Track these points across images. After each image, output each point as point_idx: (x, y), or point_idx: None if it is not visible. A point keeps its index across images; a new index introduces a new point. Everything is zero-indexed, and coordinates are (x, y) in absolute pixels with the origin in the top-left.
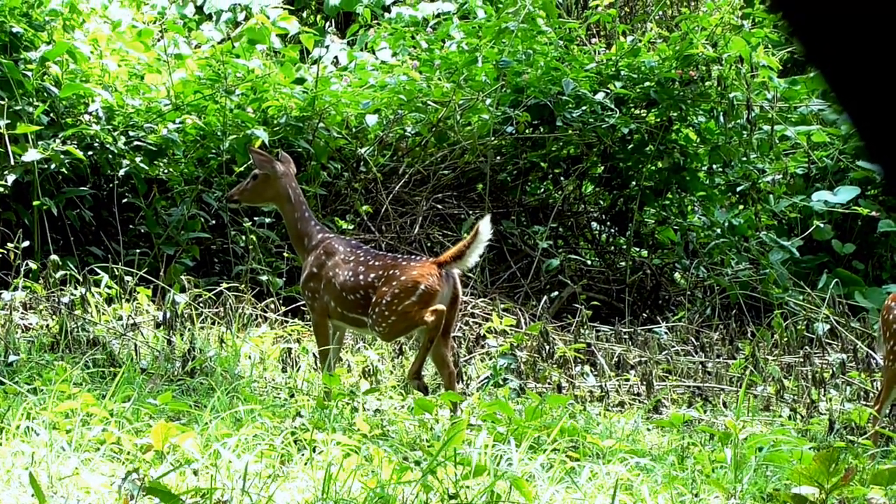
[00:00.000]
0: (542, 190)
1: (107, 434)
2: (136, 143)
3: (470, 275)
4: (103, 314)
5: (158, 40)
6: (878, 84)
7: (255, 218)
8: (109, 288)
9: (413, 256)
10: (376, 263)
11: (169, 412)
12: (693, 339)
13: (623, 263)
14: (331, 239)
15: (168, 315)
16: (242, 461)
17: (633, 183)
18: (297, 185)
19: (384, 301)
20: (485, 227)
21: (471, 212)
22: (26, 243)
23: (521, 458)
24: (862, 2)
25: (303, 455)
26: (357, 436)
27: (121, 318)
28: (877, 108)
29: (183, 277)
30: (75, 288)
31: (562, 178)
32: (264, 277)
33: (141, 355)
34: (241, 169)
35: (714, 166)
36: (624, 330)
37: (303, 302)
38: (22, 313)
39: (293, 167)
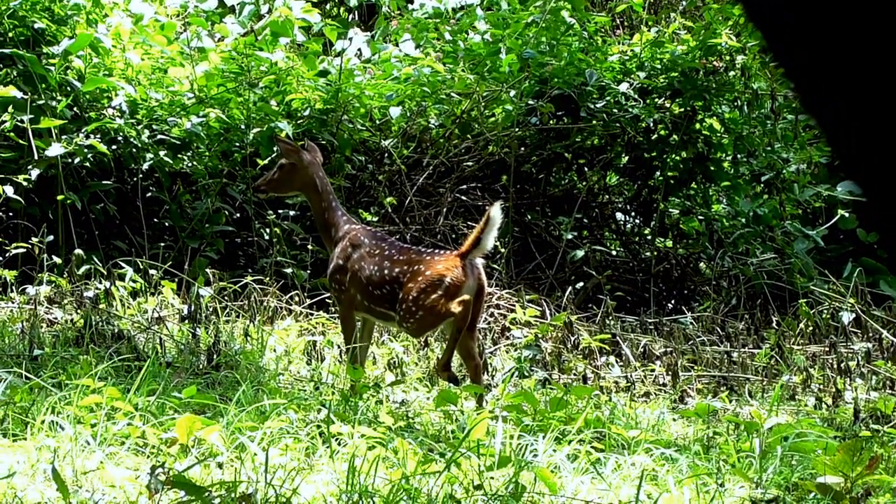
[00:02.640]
0: (567, 180)
1: (132, 428)
2: (159, 136)
3: (494, 266)
4: (128, 308)
5: (181, 33)
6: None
7: (280, 210)
8: (134, 282)
9: (436, 250)
10: (401, 258)
11: (194, 406)
12: (718, 329)
13: (648, 253)
14: (357, 230)
15: (193, 308)
16: (267, 454)
17: (658, 173)
18: (324, 175)
19: (410, 297)
20: (495, 212)
21: (495, 203)
22: (51, 238)
23: (546, 450)
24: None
25: (327, 448)
26: (382, 428)
27: (145, 312)
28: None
29: (207, 270)
30: (100, 282)
31: (586, 169)
32: (289, 270)
33: (166, 349)
34: (266, 162)
35: (738, 156)
36: (649, 320)
37: (327, 294)
38: (47, 308)
39: (320, 156)
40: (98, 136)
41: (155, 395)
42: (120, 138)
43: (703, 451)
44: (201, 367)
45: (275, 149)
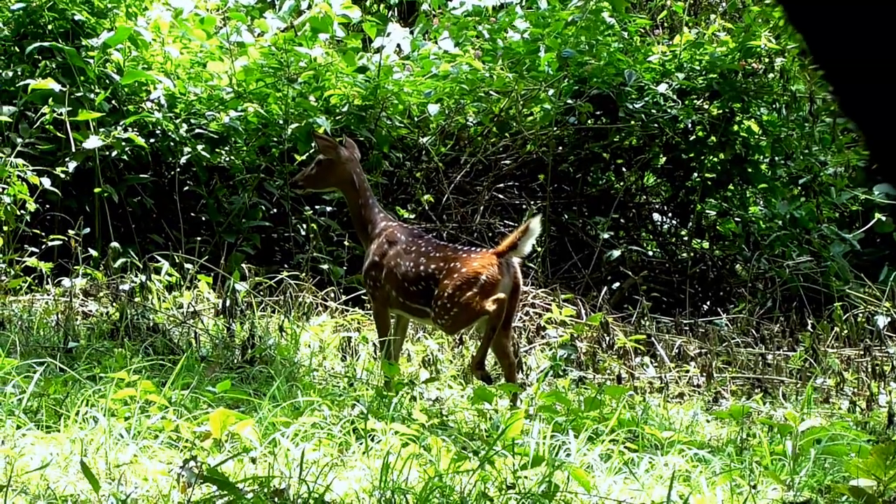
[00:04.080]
0: (604, 180)
1: (165, 422)
2: (197, 130)
3: (530, 265)
4: (163, 301)
5: (220, 28)
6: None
7: (317, 206)
8: (170, 275)
9: (473, 248)
10: (437, 255)
11: (228, 400)
12: (753, 331)
13: (684, 255)
14: (393, 227)
15: (228, 303)
16: (300, 449)
17: (695, 174)
18: (362, 171)
19: (446, 294)
20: (535, 224)
21: (532, 202)
22: (87, 230)
23: (579, 449)
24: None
25: (361, 444)
26: (415, 425)
27: (181, 306)
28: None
29: (243, 265)
30: (135, 275)
31: (624, 169)
32: (325, 266)
33: (200, 343)
34: (303, 158)
35: (776, 158)
36: (684, 321)
37: (363, 291)
38: (82, 300)
39: (357, 152)
40: (136, 129)
41: (189, 389)
42: (158, 132)
43: (737, 452)
44: (236, 361)
45: (312, 144)
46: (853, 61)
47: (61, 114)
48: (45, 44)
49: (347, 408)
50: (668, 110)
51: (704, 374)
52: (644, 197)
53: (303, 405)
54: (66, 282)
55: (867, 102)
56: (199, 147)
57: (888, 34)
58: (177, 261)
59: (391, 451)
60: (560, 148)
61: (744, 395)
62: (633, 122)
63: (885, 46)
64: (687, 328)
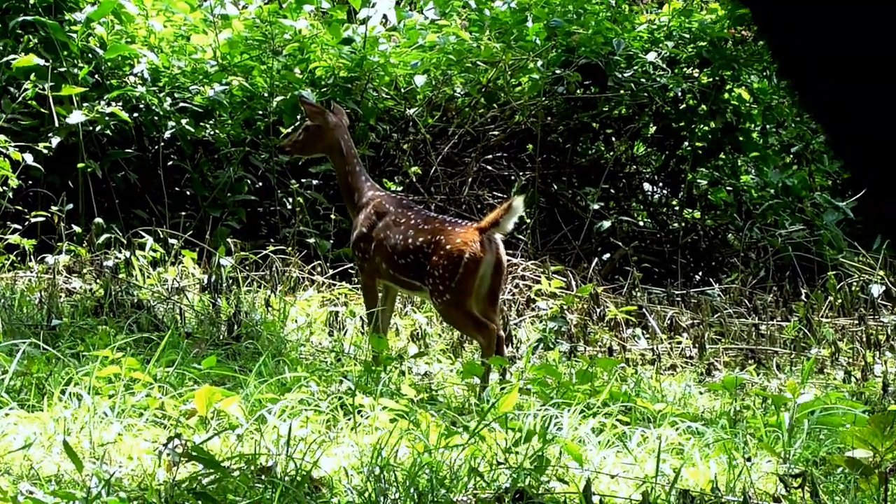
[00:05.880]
0: (594, 151)
1: (150, 399)
2: (181, 104)
3: (520, 237)
4: (148, 278)
5: (204, 1)
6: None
7: (303, 179)
8: (154, 251)
9: (458, 221)
10: (426, 227)
11: (213, 377)
12: (746, 302)
13: (675, 225)
14: (382, 197)
15: (214, 278)
16: (287, 426)
17: (686, 143)
18: (350, 138)
19: (437, 273)
20: (517, 203)
21: (521, 173)
22: (70, 206)
23: (571, 423)
24: None
25: (349, 420)
26: (404, 400)
27: (166, 282)
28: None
29: (229, 240)
30: (119, 251)
31: (613, 139)
32: (312, 240)
33: (186, 319)
34: (289, 131)
35: (767, 126)
36: (676, 292)
37: (350, 265)
38: (66, 277)
39: (346, 119)
40: (119, 103)
41: (174, 366)
42: (142, 106)
43: (730, 424)
44: (221, 337)
45: (298, 116)
46: (811, 61)
47: (44, 89)
48: (28, 18)
49: (335, 383)
50: (658, 79)
51: (697, 345)
52: (634, 167)
53: (290, 381)
54: (49, 259)
55: (825, 100)
56: (184, 121)
57: (843, 34)
58: (161, 236)
59: (379, 426)
60: (549, 118)
61: (737, 367)
62: (622, 92)
63: (840, 46)
64: (679, 299)
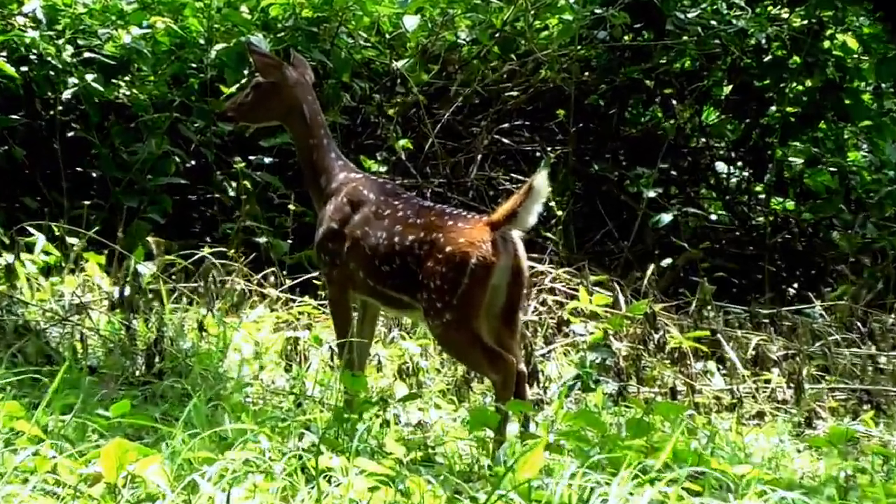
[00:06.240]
0: (648, 118)
1: (39, 460)
2: (87, 55)
3: (548, 235)
4: (37, 291)
5: None
6: None
7: (251, 157)
8: (47, 254)
9: (462, 214)
10: (418, 221)
11: (126, 428)
12: (859, 325)
13: (760, 219)
14: (359, 181)
15: (128, 292)
16: (224, 497)
17: (773, 108)
18: (315, 101)
19: (433, 285)
20: (540, 182)
21: (549, 147)
22: None
23: (620, 493)
24: None
25: (312, 489)
26: (389, 461)
27: (61, 297)
28: None
29: (149, 239)
30: (0, 254)
31: (674, 102)
32: (262, 239)
33: (89, 349)
34: (232, 90)
35: (882, 85)
36: (763, 311)
37: (315, 273)
38: None
39: (310, 74)
40: (3, 53)
41: (72, 413)
42: (33, 57)
43: (840, 495)
44: (138, 373)
45: (246, 71)
46: None
47: None
48: None
49: (293, 438)
50: (734, 21)
51: (792, 384)
52: (703, 140)
53: (231, 434)
54: None
55: None
56: (89, 77)
57: None
58: (57, 233)
59: (355, 497)
60: (586, 74)
61: (847, 414)
62: (685, 38)
63: None
64: (767, 321)
